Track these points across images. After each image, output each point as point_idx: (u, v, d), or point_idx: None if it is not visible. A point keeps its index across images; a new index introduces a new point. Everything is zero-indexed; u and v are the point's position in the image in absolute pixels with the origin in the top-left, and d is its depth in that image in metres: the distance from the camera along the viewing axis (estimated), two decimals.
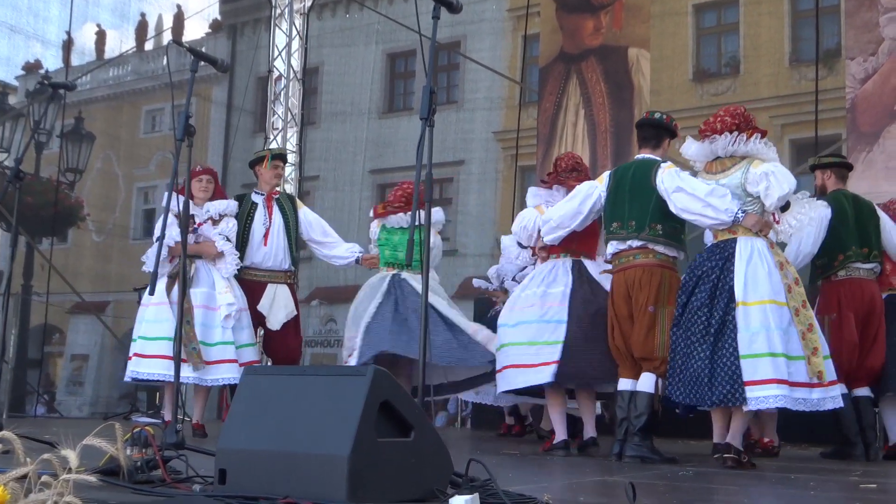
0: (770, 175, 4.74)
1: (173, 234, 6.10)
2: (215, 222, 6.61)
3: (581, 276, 5.62)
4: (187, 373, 6.21)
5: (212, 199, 6.68)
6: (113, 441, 2.83)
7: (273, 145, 11.27)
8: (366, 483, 2.48)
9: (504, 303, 8.10)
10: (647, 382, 5.05)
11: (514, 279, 8.06)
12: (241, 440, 2.72)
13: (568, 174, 5.95)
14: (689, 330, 4.77)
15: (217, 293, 6.47)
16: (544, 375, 5.49)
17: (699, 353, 4.69)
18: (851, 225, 6.00)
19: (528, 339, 5.58)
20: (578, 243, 5.63)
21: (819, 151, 10.94)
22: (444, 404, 14.66)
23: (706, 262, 4.87)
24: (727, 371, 4.59)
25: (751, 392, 4.54)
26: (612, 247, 5.25)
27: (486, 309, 9.65)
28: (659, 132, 5.36)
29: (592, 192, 5.43)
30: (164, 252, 6.18)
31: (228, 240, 6.59)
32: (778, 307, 4.65)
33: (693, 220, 4.97)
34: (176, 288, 6.13)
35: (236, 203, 6.84)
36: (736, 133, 4.91)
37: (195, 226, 6.49)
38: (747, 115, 5.02)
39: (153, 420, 7.65)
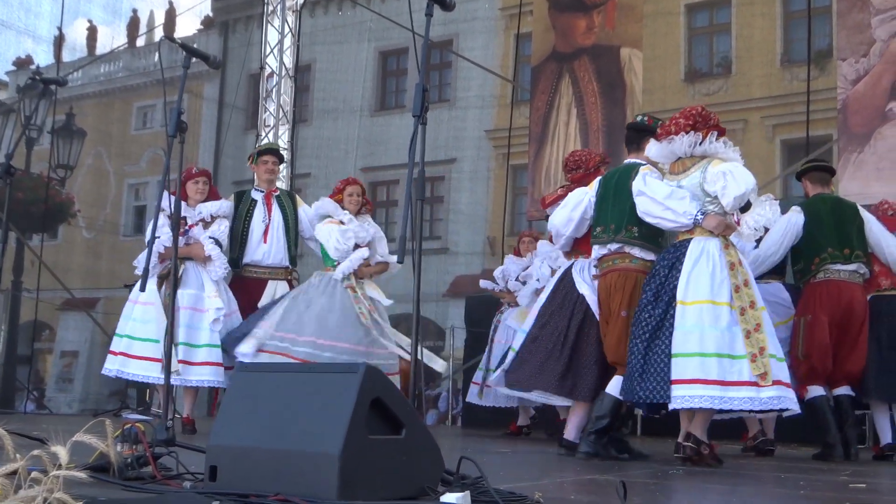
0: (727, 174, 4.71)
1: (163, 237, 6.13)
2: (206, 224, 6.58)
3: (562, 282, 5.66)
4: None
5: (205, 200, 6.66)
6: (103, 437, 2.83)
7: (264, 142, 11.25)
8: (357, 480, 2.48)
9: (510, 303, 8.18)
10: (616, 385, 5.04)
11: (517, 279, 8.09)
12: (232, 437, 2.71)
13: (569, 173, 6.04)
14: (637, 328, 4.82)
15: (206, 296, 6.46)
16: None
17: (636, 348, 4.75)
18: (829, 227, 5.96)
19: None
20: (583, 244, 5.64)
21: (811, 152, 10.98)
22: (435, 402, 14.69)
23: (658, 262, 4.92)
24: (657, 368, 4.64)
25: (676, 391, 4.56)
26: (596, 251, 5.28)
27: (482, 308, 9.66)
28: (639, 135, 5.36)
29: (582, 198, 5.47)
30: (155, 255, 6.18)
31: (218, 243, 6.56)
32: (715, 307, 4.64)
33: (655, 222, 4.95)
34: (165, 288, 6.15)
35: (230, 204, 6.81)
36: (692, 133, 4.88)
37: (186, 227, 6.48)
38: (705, 113, 4.96)
39: (143, 417, 7.64)
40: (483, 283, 8.86)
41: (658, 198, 4.84)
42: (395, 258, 6.99)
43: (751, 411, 4.76)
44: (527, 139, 12.46)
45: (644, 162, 5.23)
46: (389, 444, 2.64)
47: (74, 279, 19.69)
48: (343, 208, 6.79)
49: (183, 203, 6.34)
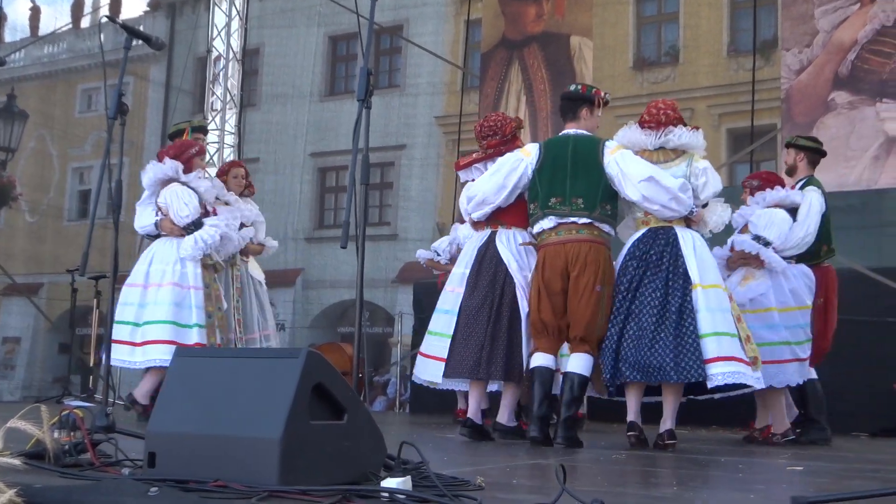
0: (708, 171, 5.08)
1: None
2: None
3: (485, 257, 5.45)
4: None
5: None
6: (40, 424, 2.78)
7: (211, 126, 11.12)
8: (297, 466, 2.47)
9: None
10: (582, 364, 4.94)
11: None
12: (171, 423, 2.68)
13: (484, 140, 5.73)
14: (648, 313, 4.87)
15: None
16: (437, 374, 5.48)
17: (662, 334, 4.82)
18: (830, 217, 6.13)
19: (438, 328, 5.56)
20: (505, 215, 5.43)
21: (755, 140, 11.13)
22: (384, 389, 14.68)
23: (651, 247, 5.00)
24: (691, 349, 4.76)
25: (712, 368, 4.74)
26: (551, 221, 5.09)
27: (430, 294, 9.53)
28: (575, 104, 5.25)
29: (517, 165, 5.27)
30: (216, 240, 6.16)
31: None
32: (723, 291, 4.98)
33: (653, 209, 5.00)
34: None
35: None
36: (690, 127, 5.19)
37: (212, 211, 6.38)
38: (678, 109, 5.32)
39: (84, 403, 7.54)
40: (420, 254, 8.10)
41: (672, 188, 4.94)
42: (274, 242, 7.26)
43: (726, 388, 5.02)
44: None
45: (591, 133, 5.21)
46: (331, 429, 2.64)
47: (17, 264, 19.35)
48: (227, 189, 6.96)
49: (205, 180, 6.41)
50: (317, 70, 20.28)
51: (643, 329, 4.85)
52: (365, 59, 3.59)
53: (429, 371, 5.57)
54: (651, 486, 3.36)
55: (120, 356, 5.91)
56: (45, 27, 22.15)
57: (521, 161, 5.28)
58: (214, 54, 11.61)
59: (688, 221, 5.05)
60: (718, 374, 4.73)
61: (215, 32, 11.61)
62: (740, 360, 4.80)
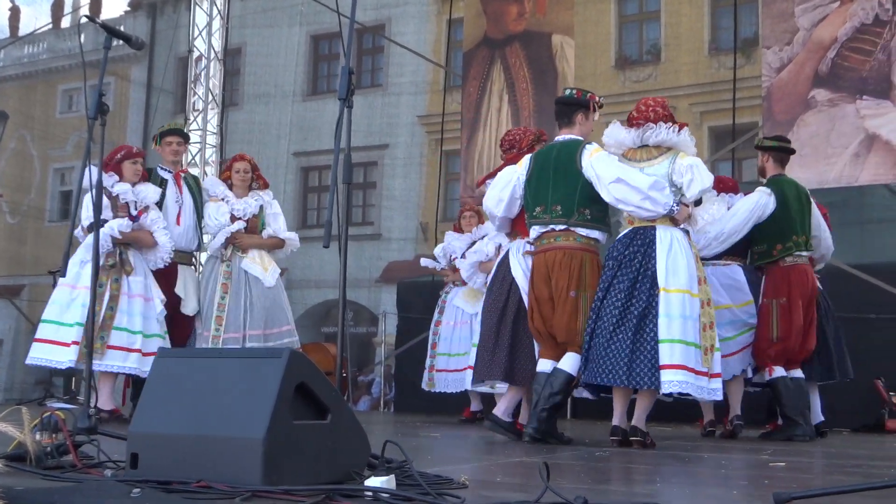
0: (695, 168, 4.94)
1: (115, 222, 6.07)
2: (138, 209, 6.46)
3: (501, 265, 5.59)
4: (132, 363, 6.11)
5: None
6: (21, 426, 2.77)
7: (193, 126, 11.08)
8: (281, 465, 2.47)
9: (455, 282, 8.03)
10: (569, 363, 5.00)
11: (463, 256, 7.72)
12: (154, 424, 2.67)
13: (505, 153, 5.91)
14: (610, 313, 4.84)
15: (151, 284, 6.35)
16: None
17: (620, 336, 4.77)
18: (795, 213, 6.09)
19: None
20: (518, 225, 5.55)
21: (737, 138, 11.18)
22: (368, 388, 14.67)
23: (627, 248, 4.94)
24: (647, 355, 4.70)
25: (665, 375, 4.68)
26: (535, 231, 5.18)
27: (414, 293, 9.59)
28: (570, 108, 5.28)
29: (511, 177, 5.37)
30: (107, 242, 6.04)
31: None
32: (692, 297, 4.83)
33: (629, 210, 4.97)
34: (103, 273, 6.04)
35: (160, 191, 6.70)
36: (670, 124, 5.07)
37: (135, 213, 6.28)
38: (669, 107, 5.23)
39: (67, 405, 7.50)
40: (424, 262, 8.50)
41: (642, 188, 4.85)
42: (291, 235, 7.04)
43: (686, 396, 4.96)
44: (459, 125, 12.47)
45: (581, 138, 5.21)
46: (315, 428, 2.63)
47: None
48: (232, 185, 6.92)
49: (123, 183, 6.33)
50: (299, 69, 20.24)
51: (604, 329, 4.84)
52: (347, 58, 3.57)
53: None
54: (634, 483, 3.38)
55: None
56: (24, 27, 22.06)
57: (515, 174, 5.38)
58: (196, 54, 11.56)
59: (673, 220, 4.99)
60: (668, 381, 4.68)
61: (196, 32, 11.56)
62: (692, 370, 4.72)
